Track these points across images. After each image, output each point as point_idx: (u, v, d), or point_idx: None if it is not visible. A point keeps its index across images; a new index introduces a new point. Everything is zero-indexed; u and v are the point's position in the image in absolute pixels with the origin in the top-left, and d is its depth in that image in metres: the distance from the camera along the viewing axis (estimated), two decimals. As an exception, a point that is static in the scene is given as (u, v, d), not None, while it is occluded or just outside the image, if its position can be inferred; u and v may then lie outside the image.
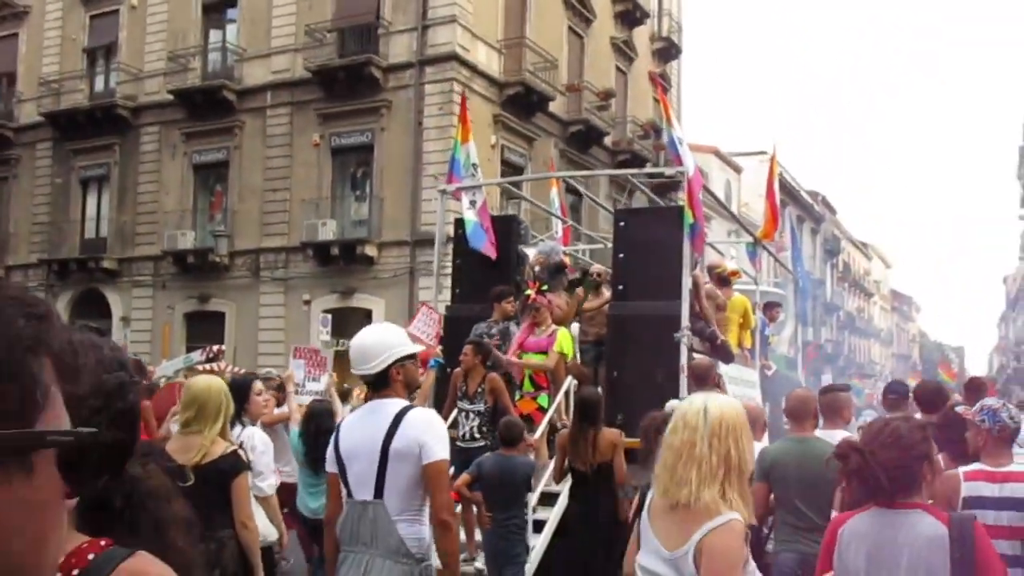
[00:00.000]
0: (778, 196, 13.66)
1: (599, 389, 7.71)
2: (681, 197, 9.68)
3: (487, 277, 8.59)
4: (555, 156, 25.12)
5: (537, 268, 9.25)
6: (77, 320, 26.34)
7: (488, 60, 22.99)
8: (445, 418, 7.67)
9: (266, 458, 5.57)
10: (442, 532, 3.67)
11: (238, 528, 4.32)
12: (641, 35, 31.05)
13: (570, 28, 26.73)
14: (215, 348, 18.00)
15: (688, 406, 2.90)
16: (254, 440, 5.50)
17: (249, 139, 23.98)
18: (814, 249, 51.92)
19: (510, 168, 23.71)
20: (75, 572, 1.33)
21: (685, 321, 7.71)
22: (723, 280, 10.14)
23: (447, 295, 9.67)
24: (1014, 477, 3.86)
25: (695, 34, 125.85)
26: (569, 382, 8.23)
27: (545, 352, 8.00)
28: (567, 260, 10.27)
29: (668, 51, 33.13)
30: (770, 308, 12.93)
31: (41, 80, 26.97)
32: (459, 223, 9.48)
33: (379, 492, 3.60)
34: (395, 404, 3.72)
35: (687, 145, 8.51)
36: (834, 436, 5.12)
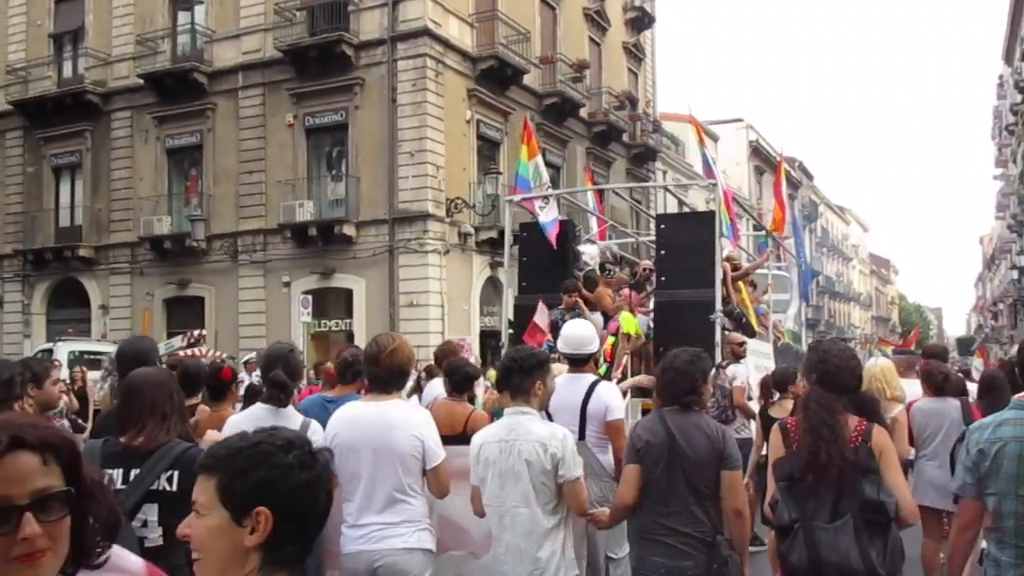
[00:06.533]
0: (785, 194, 14.89)
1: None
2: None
3: (548, 272, 10.28)
4: (533, 129, 24.95)
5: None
6: (56, 310, 26.18)
7: (460, 34, 22.80)
8: None
9: None
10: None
11: None
12: (614, 5, 30.89)
13: None
14: (196, 333, 17.96)
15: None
16: None
17: (222, 121, 23.73)
18: (792, 215, 52.11)
19: (486, 143, 23.63)
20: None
21: (718, 305, 9.30)
22: (736, 269, 11.47)
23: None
24: None
25: (668, 1, 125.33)
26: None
27: (614, 334, 9.55)
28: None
29: (641, 20, 32.97)
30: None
31: (8, 68, 26.56)
32: (523, 226, 11.35)
33: (581, 436, 5.03)
34: (590, 377, 5.36)
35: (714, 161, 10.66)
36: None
